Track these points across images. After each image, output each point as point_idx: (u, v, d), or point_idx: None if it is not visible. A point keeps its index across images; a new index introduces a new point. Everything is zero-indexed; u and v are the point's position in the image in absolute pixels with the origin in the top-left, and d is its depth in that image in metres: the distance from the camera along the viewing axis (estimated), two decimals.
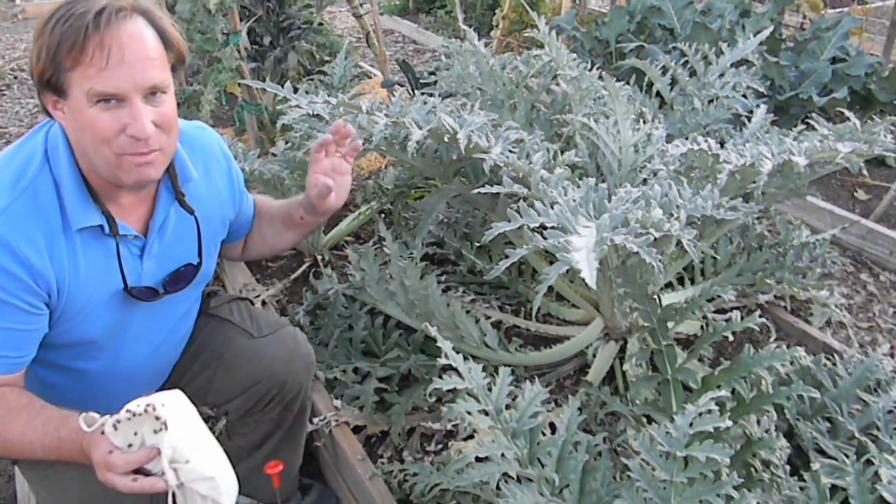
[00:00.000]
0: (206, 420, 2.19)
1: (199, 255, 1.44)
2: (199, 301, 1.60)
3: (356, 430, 1.93)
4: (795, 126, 2.14)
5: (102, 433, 1.07)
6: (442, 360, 1.37)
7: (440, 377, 1.40)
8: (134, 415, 1.05)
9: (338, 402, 1.95)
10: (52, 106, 1.20)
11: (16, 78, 5.51)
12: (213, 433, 2.07)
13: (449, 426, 1.95)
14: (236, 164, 1.56)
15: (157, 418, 1.05)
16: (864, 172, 3.33)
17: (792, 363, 1.74)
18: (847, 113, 1.96)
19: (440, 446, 1.96)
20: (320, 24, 3.92)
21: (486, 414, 1.34)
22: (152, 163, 1.22)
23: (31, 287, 1.20)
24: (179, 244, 1.41)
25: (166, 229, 1.38)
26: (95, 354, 1.39)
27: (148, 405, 1.05)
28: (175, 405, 1.08)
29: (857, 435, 1.63)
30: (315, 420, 1.86)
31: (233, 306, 1.67)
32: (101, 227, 1.27)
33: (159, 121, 1.20)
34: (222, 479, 1.09)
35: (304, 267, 2.77)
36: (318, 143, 1.46)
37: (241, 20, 3.28)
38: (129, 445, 1.06)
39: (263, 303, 2.47)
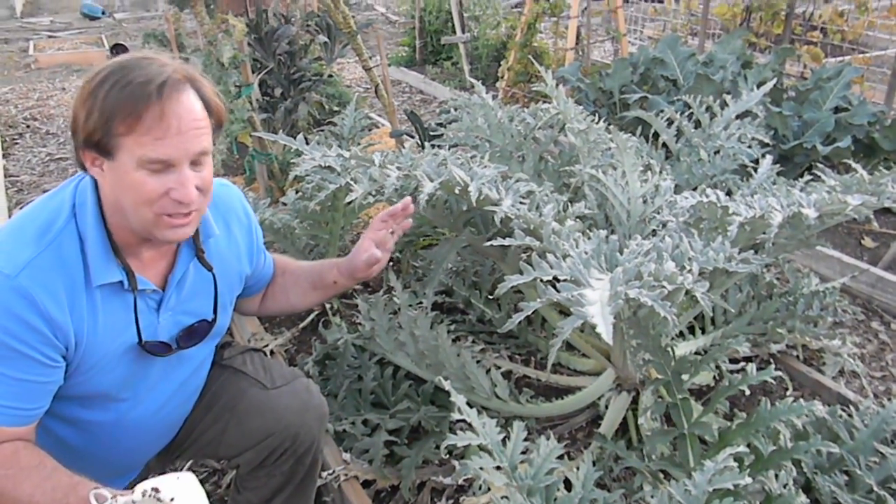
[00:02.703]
0: (213, 473, 2.17)
1: (214, 311, 1.45)
2: (212, 355, 1.59)
3: (365, 484, 1.90)
4: (800, 175, 2.16)
5: None
6: (455, 415, 1.36)
7: (451, 431, 1.39)
8: (142, 497, 1.05)
9: (347, 456, 1.93)
10: (90, 162, 1.22)
11: (28, 127, 5.60)
12: (221, 486, 2.05)
13: (460, 480, 1.92)
14: (257, 222, 1.58)
15: (163, 499, 1.04)
16: (873, 221, 3.36)
17: (808, 415, 1.72)
18: (853, 164, 1.98)
19: (451, 501, 1.93)
20: (330, 75, 4.00)
21: (501, 470, 1.33)
22: (189, 223, 1.27)
23: (50, 340, 1.21)
24: (196, 298, 1.42)
25: (184, 284, 1.39)
26: (107, 406, 1.38)
27: (155, 489, 1.05)
28: (184, 490, 1.07)
29: (875, 488, 1.60)
30: (324, 474, 1.84)
31: (246, 357, 1.66)
32: (121, 282, 1.28)
33: (200, 185, 1.24)
34: None
35: (312, 315, 2.77)
36: (388, 213, 1.53)
37: (253, 73, 3.35)
38: None
39: (272, 352, 2.47)
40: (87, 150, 1.20)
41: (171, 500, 1.04)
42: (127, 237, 1.28)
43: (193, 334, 1.43)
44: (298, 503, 1.69)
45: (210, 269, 1.41)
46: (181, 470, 1.37)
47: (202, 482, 2.02)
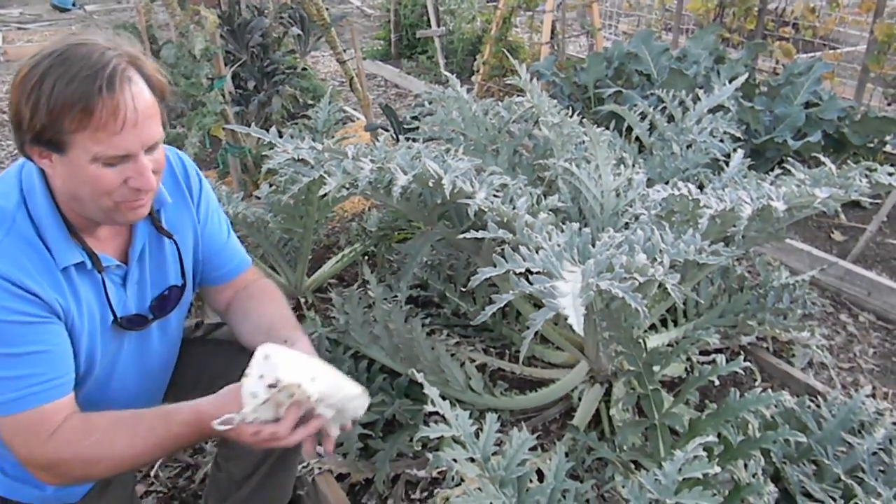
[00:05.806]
0: (186, 468, 2.14)
1: (182, 276, 1.46)
2: (181, 331, 1.57)
3: (339, 477, 1.89)
4: (771, 169, 2.19)
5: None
6: (428, 407, 1.36)
7: (426, 423, 1.39)
8: (266, 399, 1.13)
9: (321, 449, 1.91)
10: (37, 156, 1.19)
11: None
12: (195, 482, 2.03)
13: (434, 473, 1.92)
14: (209, 185, 1.54)
15: (288, 385, 1.13)
16: (841, 215, 3.41)
17: (777, 405, 1.75)
18: (822, 158, 2.00)
19: (425, 494, 1.93)
20: (304, 68, 3.96)
21: (474, 462, 1.33)
22: (147, 203, 1.27)
23: (47, 306, 1.20)
24: (160, 269, 1.42)
25: (145, 256, 1.39)
26: (87, 387, 1.36)
27: (269, 383, 1.12)
28: (282, 358, 1.15)
29: (842, 477, 1.63)
30: (298, 468, 1.83)
31: (226, 328, 1.65)
32: (83, 262, 1.27)
33: (155, 167, 1.24)
34: (364, 391, 1.31)
35: None
36: None
37: (225, 65, 3.31)
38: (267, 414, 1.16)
39: None
40: (34, 145, 1.16)
41: (287, 385, 1.13)
42: (80, 219, 1.27)
43: (166, 301, 1.43)
44: (281, 477, 1.66)
45: (170, 236, 1.41)
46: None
47: (175, 477, 2.02)
